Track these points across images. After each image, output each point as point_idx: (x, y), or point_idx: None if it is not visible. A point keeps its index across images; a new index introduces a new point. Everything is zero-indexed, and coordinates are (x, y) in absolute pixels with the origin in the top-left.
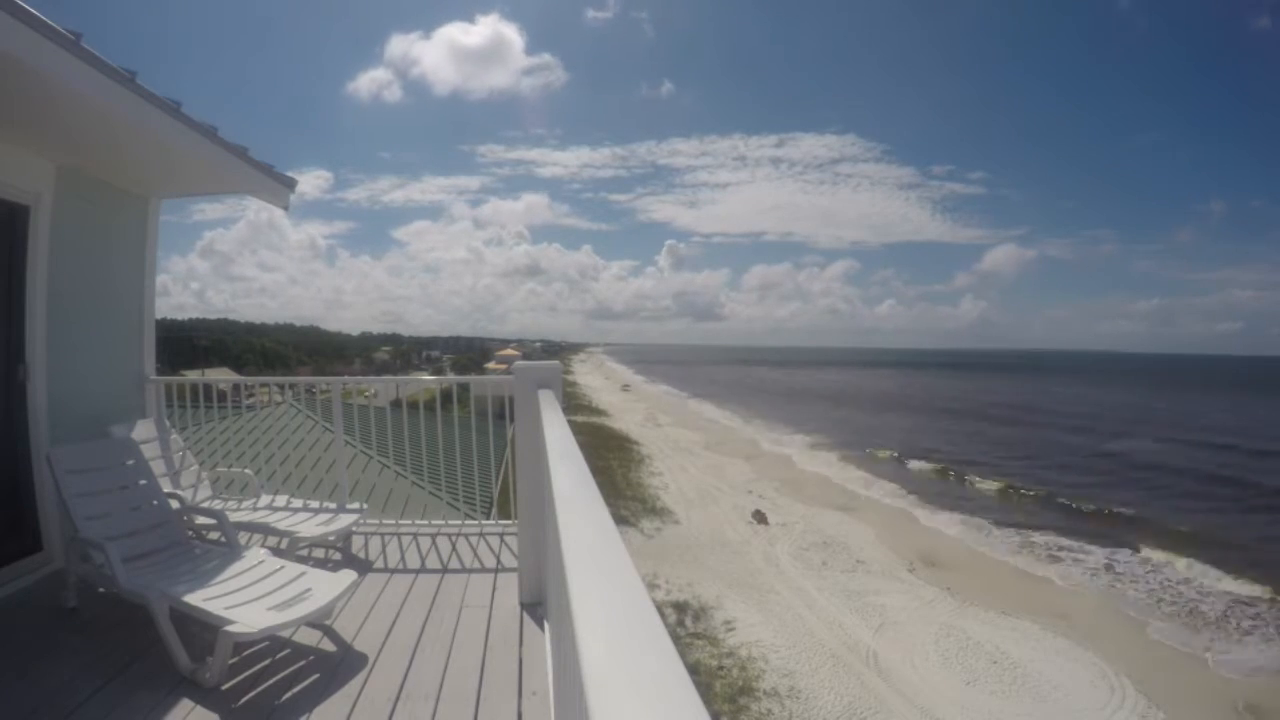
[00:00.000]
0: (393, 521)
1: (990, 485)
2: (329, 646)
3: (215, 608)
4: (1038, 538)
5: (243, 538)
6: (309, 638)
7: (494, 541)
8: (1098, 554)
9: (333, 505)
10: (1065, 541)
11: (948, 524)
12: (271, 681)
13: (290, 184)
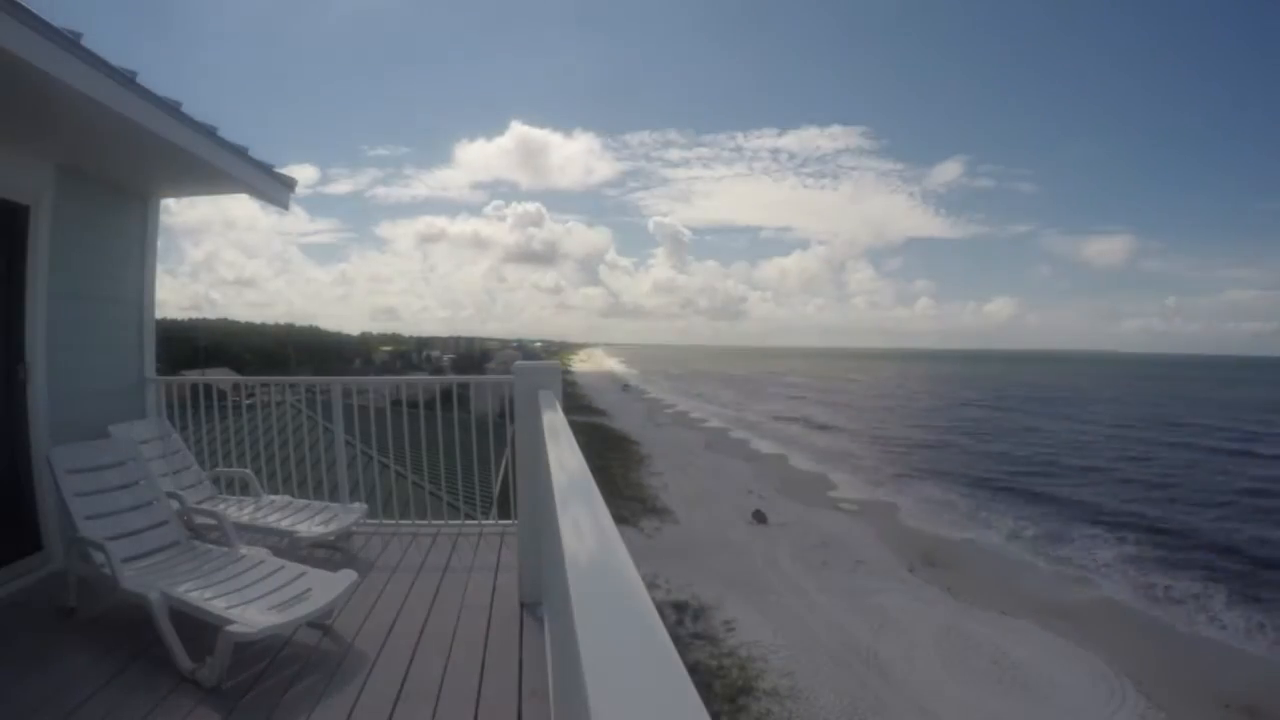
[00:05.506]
0: (393, 521)
1: None
2: (329, 646)
3: (215, 608)
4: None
5: (243, 538)
6: (309, 638)
7: (494, 541)
8: None
9: (333, 505)
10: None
11: (949, 527)
12: (271, 681)
13: (290, 184)
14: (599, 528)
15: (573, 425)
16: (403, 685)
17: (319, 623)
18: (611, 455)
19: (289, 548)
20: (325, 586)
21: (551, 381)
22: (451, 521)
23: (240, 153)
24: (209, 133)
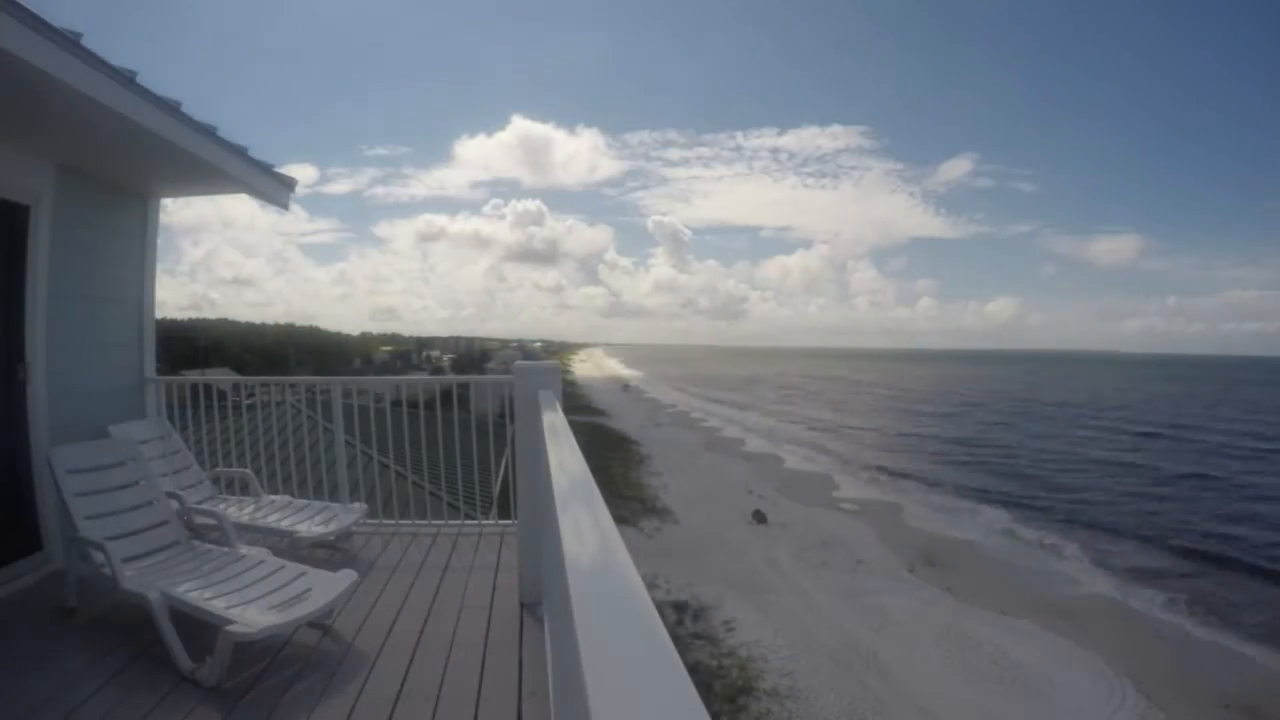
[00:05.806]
0: (393, 521)
1: None
2: (329, 646)
3: (215, 608)
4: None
5: (243, 538)
6: (309, 638)
7: (494, 541)
8: None
9: (333, 505)
10: None
11: (949, 528)
12: (271, 681)
13: (290, 183)
14: (599, 528)
15: (573, 425)
16: (403, 685)
17: (319, 623)
18: (611, 455)
19: (289, 548)
20: (325, 586)
21: (551, 381)
22: (451, 521)
23: (240, 152)
24: (209, 133)
